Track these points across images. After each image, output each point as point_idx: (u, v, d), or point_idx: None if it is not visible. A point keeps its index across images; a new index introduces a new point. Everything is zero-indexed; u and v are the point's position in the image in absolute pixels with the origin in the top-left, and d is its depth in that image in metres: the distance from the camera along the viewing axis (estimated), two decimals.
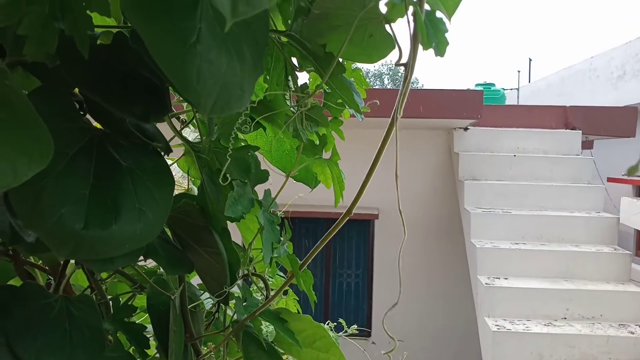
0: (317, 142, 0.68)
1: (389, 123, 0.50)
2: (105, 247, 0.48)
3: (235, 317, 0.73)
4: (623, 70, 7.28)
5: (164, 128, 0.65)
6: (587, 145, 5.64)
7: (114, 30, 0.57)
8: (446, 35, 0.45)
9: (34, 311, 0.59)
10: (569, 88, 9.06)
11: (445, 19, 0.47)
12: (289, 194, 0.87)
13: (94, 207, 0.48)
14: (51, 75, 0.52)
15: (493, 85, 8.36)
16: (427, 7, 0.47)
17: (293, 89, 0.64)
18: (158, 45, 0.35)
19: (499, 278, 3.96)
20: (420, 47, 0.46)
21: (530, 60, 13.54)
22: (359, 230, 5.75)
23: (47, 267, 0.77)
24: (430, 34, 0.44)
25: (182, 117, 0.76)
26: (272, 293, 0.82)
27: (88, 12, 0.44)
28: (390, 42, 0.53)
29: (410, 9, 0.45)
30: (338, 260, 5.94)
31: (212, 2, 0.29)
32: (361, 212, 5.05)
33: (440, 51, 0.44)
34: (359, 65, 0.71)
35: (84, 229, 0.47)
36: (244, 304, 0.69)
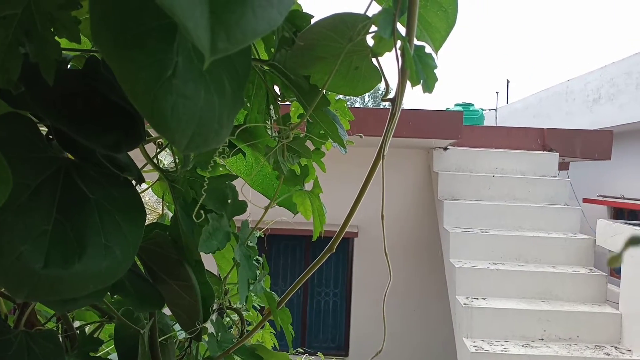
0: (299, 172, 0.65)
1: (374, 159, 0.48)
2: (66, 288, 0.45)
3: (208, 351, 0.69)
4: (598, 93, 7.46)
5: (136, 151, 0.62)
6: (563, 166, 5.73)
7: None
8: (435, 71, 0.43)
9: None
10: (546, 110, 9.24)
11: (433, 54, 0.45)
12: (270, 211, 0.84)
13: (56, 244, 0.44)
14: (18, 100, 0.49)
15: (472, 105, 8.46)
16: (414, 40, 0.45)
17: (275, 118, 0.62)
18: (130, 79, 0.33)
19: (478, 298, 3.96)
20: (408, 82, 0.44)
21: (508, 81, 13.77)
22: (338, 249, 5.68)
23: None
24: (419, 70, 0.42)
25: (158, 141, 0.73)
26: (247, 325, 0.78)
27: (56, 38, 0.42)
28: (377, 75, 0.51)
29: (398, 43, 0.43)
30: (316, 278, 5.88)
31: (190, 38, 0.26)
32: (336, 230, 5.01)
33: (428, 87, 0.43)
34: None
35: (44, 269, 0.43)
36: (218, 339, 0.66)
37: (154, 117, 0.33)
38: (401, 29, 0.44)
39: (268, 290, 0.65)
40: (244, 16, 0.29)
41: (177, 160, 0.61)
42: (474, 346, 3.57)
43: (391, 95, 0.46)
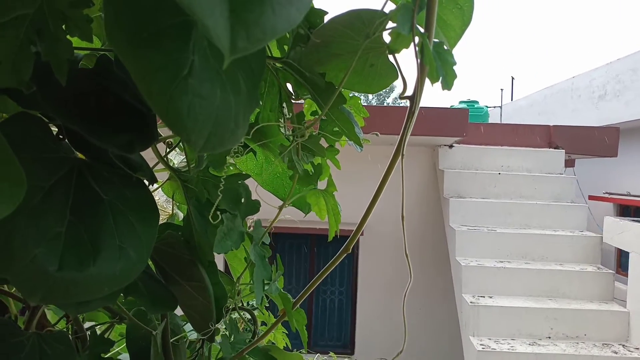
0: (312, 171, 0.64)
1: (392, 157, 0.47)
2: (81, 290, 0.44)
3: (221, 352, 0.68)
4: (604, 90, 7.42)
5: (146, 151, 0.62)
6: (568, 163, 5.70)
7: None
8: (454, 68, 0.42)
9: (3, 351, 0.55)
10: (551, 107, 9.20)
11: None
12: (276, 209, 0.83)
13: (70, 247, 0.44)
14: (29, 100, 0.49)
15: (477, 102, 8.44)
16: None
17: (288, 117, 0.61)
18: (146, 78, 0.32)
19: (484, 297, 3.95)
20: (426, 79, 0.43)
21: (512, 78, 13.75)
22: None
23: (20, 296, 0.73)
24: (438, 67, 0.41)
25: (168, 140, 0.72)
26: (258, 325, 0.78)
27: (68, 36, 0.41)
28: (393, 73, 0.50)
29: (416, 39, 0.42)
30: None
31: (209, 37, 0.26)
32: (346, 229, 5.01)
33: (448, 84, 0.42)
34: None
35: (59, 271, 0.43)
36: (231, 340, 0.65)
37: (170, 117, 0.32)
38: (417, 26, 0.43)
39: (282, 290, 0.64)
40: (263, 14, 0.28)
41: (190, 160, 0.60)
42: (481, 344, 3.56)
43: (408, 92, 0.46)
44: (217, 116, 0.35)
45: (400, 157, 0.47)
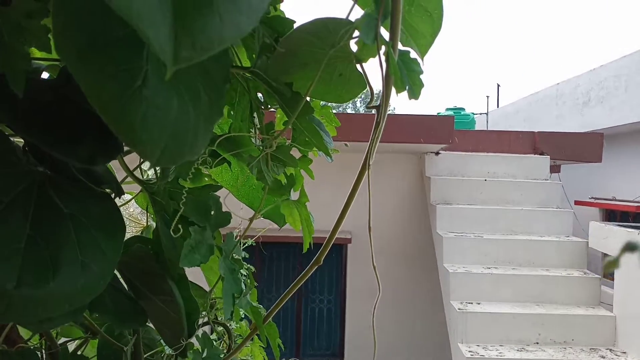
0: (284, 182, 0.63)
1: (360, 169, 0.47)
2: (40, 308, 0.43)
3: None
4: (588, 96, 7.51)
5: (117, 163, 0.60)
6: (554, 169, 5.74)
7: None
8: (421, 77, 0.41)
9: None
10: (537, 113, 9.29)
11: (419, 60, 0.43)
12: (260, 221, 0.82)
13: (29, 263, 0.42)
14: None
15: (463, 109, 8.49)
16: (400, 46, 0.43)
17: (259, 127, 0.60)
18: (97, 90, 0.31)
19: (472, 303, 3.94)
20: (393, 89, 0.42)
21: (498, 85, 13.87)
22: (332, 255, 5.68)
23: None
24: (404, 76, 0.40)
25: None
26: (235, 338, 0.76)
27: (25, 47, 0.40)
28: (362, 82, 0.49)
29: (383, 48, 0.41)
30: (310, 285, 5.85)
31: (150, 46, 0.25)
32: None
33: (414, 94, 0.41)
34: None
35: (16, 289, 0.41)
36: (203, 356, 0.64)
37: (122, 130, 0.31)
38: (385, 34, 0.43)
39: (255, 304, 0.63)
40: (210, 23, 0.27)
41: (158, 172, 0.59)
42: (469, 351, 3.55)
43: (377, 102, 0.45)
44: (174, 127, 0.34)
45: (367, 170, 0.46)
